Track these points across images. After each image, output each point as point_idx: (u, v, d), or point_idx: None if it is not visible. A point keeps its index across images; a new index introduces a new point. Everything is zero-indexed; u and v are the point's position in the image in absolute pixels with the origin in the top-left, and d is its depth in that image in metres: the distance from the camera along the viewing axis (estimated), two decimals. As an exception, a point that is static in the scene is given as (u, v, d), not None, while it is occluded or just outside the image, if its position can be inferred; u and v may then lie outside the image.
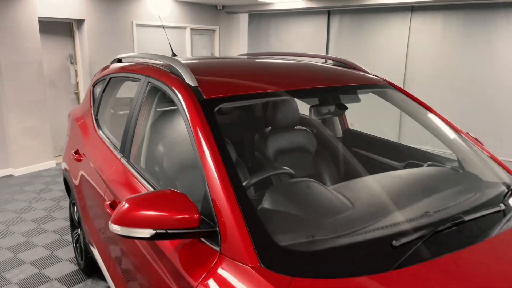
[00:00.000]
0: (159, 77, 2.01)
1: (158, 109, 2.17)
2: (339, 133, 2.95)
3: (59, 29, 6.29)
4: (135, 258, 1.81)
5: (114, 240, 2.11)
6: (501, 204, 1.60)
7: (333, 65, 2.57)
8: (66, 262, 3.42)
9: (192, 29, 8.19)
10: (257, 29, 8.94)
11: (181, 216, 1.33)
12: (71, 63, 6.49)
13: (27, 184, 5.28)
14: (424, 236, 1.35)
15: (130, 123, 2.18)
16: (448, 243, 1.36)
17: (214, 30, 8.75)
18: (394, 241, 1.32)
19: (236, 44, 8.87)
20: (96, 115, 2.84)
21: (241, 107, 2.81)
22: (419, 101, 2.33)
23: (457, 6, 6.46)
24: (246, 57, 2.86)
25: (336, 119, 2.96)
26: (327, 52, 8.00)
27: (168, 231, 1.32)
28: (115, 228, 1.34)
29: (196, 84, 1.78)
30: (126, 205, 1.34)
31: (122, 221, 1.32)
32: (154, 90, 2.10)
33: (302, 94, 2.09)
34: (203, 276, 1.29)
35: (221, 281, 1.24)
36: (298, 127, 2.68)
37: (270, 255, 1.24)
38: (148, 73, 2.16)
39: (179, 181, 1.94)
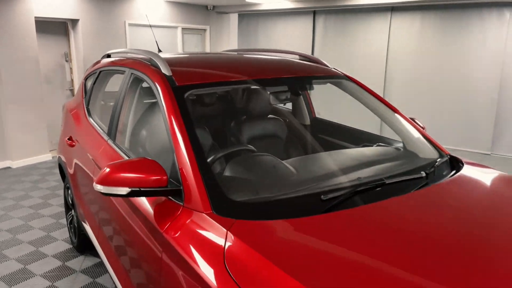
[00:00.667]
0: (140, 68, 2.33)
1: (139, 97, 2.48)
2: (307, 121, 3.27)
3: (55, 28, 6.59)
4: (118, 223, 2.12)
5: (102, 211, 2.42)
6: (422, 172, 1.93)
7: (300, 59, 2.90)
8: (61, 242, 3.73)
9: (183, 29, 8.50)
10: (246, 28, 9.26)
11: (152, 178, 1.65)
12: (66, 61, 6.79)
13: (24, 175, 5.58)
14: (348, 193, 1.67)
15: (116, 109, 2.49)
16: (370, 198, 1.69)
17: (205, 30, 9.06)
18: (322, 196, 1.64)
19: (226, 43, 9.18)
20: (88, 105, 3.16)
21: (219, 99, 3.11)
22: (370, 91, 2.65)
23: (434, 6, 6.81)
24: (230, 53, 3.18)
25: (305, 109, 3.28)
26: (313, 50, 8.34)
27: (142, 189, 1.64)
28: (99, 188, 1.65)
29: (171, 74, 2.10)
30: (108, 169, 1.65)
31: (104, 182, 1.64)
32: (136, 80, 2.42)
33: (264, 83, 2.41)
34: (168, 224, 1.62)
35: (182, 225, 1.56)
36: (270, 116, 3.00)
37: (220, 205, 1.56)
38: (131, 65, 2.48)
39: (153, 153, 2.25)
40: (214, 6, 8.95)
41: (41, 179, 5.44)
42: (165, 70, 2.12)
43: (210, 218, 1.51)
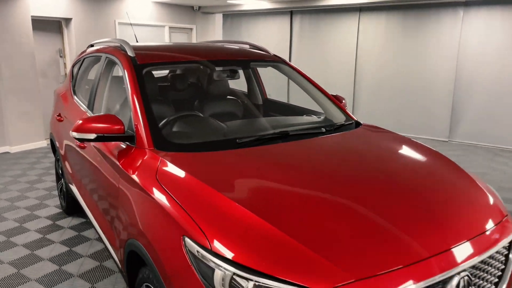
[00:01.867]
0: (112, 53, 2.94)
1: (110, 75, 3.09)
2: (260, 101, 3.88)
3: (50, 26, 7.21)
4: (93, 173, 2.73)
5: (83, 170, 3.03)
6: (322, 128, 2.56)
7: (250, 48, 3.51)
8: (52, 208, 4.33)
9: (170, 28, 9.12)
10: (230, 28, 9.89)
11: (113, 127, 2.25)
12: (61, 56, 7.41)
13: (21, 158, 6.18)
14: (259, 139, 2.30)
15: (94, 86, 3.11)
16: (275, 141, 2.31)
17: (191, 29, 9.69)
18: (237, 140, 2.26)
19: (212, 41, 9.80)
20: (74, 87, 3.77)
21: (182, 79, 3.66)
22: (301, 73, 3.27)
23: (397, 6, 7.46)
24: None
25: (258, 91, 3.89)
26: (290, 48, 8.97)
27: (105, 135, 2.25)
28: (74, 134, 2.26)
29: (134, 55, 2.71)
30: (81, 121, 2.27)
31: (78, 130, 2.25)
32: (110, 62, 3.03)
33: (212, 63, 3.03)
34: (124, 159, 2.23)
35: (133, 159, 2.17)
36: (229, 97, 3.61)
37: (159, 143, 2.17)
38: (107, 51, 3.09)
39: (119, 113, 2.83)
40: (199, 7, 9.58)
41: (36, 161, 6.04)
42: (130, 53, 2.74)
43: (151, 151, 2.13)
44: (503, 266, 1.85)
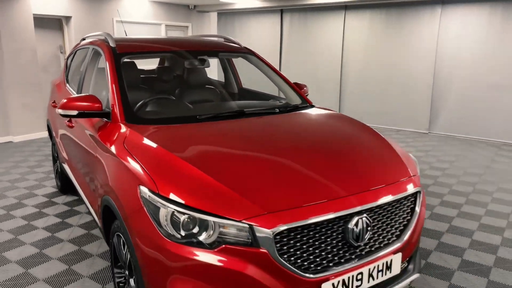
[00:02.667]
0: (98, 44, 3.36)
1: (95, 63, 3.50)
2: (235, 90, 4.27)
3: (51, 24, 7.66)
4: (78, 149, 3.14)
5: (72, 148, 3.45)
6: (276, 109, 2.96)
7: (224, 41, 3.91)
8: (49, 188, 4.76)
9: (167, 25, 9.54)
10: (224, 25, 10.30)
11: (92, 105, 2.66)
12: (61, 52, 7.85)
13: (23, 147, 6.63)
14: (218, 116, 2.70)
15: (82, 74, 3.52)
16: (233, 118, 2.72)
17: (187, 27, 10.10)
18: (198, 116, 2.67)
19: (207, 39, 10.21)
20: (67, 76, 4.19)
21: (172, 75, 4.08)
22: (267, 63, 3.65)
23: (379, 5, 7.82)
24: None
25: (233, 81, 4.29)
26: (281, 45, 9.35)
27: (85, 112, 2.66)
28: (59, 111, 2.67)
29: (114, 46, 3.12)
30: (65, 100, 2.68)
31: (63, 107, 2.65)
32: (96, 53, 3.44)
33: (184, 53, 3.43)
34: (101, 132, 2.64)
35: (107, 131, 2.58)
36: (207, 86, 4.01)
37: (129, 118, 2.58)
38: (93, 43, 3.51)
39: (100, 95, 3.24)
40: (195, 6, 9.99)
41: (37, 149, 6.49)
42: (112, 44, 3.15)
43: (122, 124, 2.53)
44: (409, 217, 2.24)
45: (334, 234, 1.93)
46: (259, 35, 9.65)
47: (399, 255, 2.13)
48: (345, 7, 8.25)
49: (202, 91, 3.65)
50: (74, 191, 4.35)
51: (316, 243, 1.89)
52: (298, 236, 1.84)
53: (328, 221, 1.90)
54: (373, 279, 2.05)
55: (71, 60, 4.25)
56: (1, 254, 3.24)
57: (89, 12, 7.90)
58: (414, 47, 7.63)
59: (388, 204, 2.11)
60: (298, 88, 3.53)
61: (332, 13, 8.45)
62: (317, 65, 8.83)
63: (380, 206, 2.07)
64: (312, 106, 3.25)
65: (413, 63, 7.68)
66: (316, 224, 1.86)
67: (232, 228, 1.78)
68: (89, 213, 3.96)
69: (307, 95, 3.59)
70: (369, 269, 2.01)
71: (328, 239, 1.92)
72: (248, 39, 9.84)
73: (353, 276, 1.95)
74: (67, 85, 4.05)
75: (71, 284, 2.83)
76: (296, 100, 3.34)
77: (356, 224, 1.95)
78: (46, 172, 5.32)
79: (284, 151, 2.30)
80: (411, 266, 2.36)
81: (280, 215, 1.81)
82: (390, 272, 2.12)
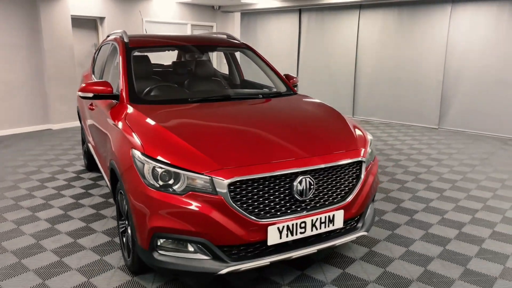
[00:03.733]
0: (115, 40, 3.97)
1: (114, 57, 4.11)
2: (238, 81, 4.79)
3: (87, 24, 8.48)
4: (97, 128, 3.76)
5: (94, 129, 4.09)
6: (260, 95, 3.46)
7: (227, 37, 4.44)
8: (78, 166, 5.47)
9: (192, 25, 10.20)
10: (247, 25, 10.84)
11: (106, 88, 3.25)
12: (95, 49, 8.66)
13: (60, 133, 7.45)
14: (208, 100, 3.23)
15: (102, 66, 4.15)
16: (220, 101, 3.25)
17: (212, 26, 10.72)
18: (189, 99, 3.21)
19: (231, 37, 10.79)
20: (93, 68, 4.86)
21: (181, 68, 4.65)
22: (261, 56, 4.14)
23: (392, 4, 8.10)
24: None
25: (236, 73, 4.80)
26: (299, 42, 9.77)
27: (99, 94, 3.26)
28: (79, 93, 3.29)
29: (128, 41, 3.72)
30: (84, 84, 3.29)
31: (81, 90, 3.27)
32: (114, 48, 4.06)
33: (189, 47, 3.99)
34: (110, 110, 3.23)
35: (115, 109, 3.16)
36: (208, 76, 4.55)
37: (133, 99, 3.15)
38: (113, 40, 4.13)
39: (113, 82, 3.83)
40: (219, 6, 10.60)
41: (72, 136, 7.28)
42: (126, 39, 3.75)
43: (127, 104, 3.11)
44: (354, 182, 2.68)
45: (282, 189, 2.41)
46: (278, 34, 10.12)
47: (341, 212, 2.57)
48: (359, 6, 8.58)
49: (202, 81, 4.19)
50: (98, 169, 5.01)
51: (266, 195, 2.37)
52: (249, 188, 2.34)
53: (275, 177, 2.38)
54: (317, 229, 2.50)
55: (97, 55, 4.92)
56: (35, 214, 3.92)
57: (121, 13, 8.67)
58: (425, 44, 7.86)
59: (332, 168, 2.56)
60: (288, 78, 4.01)
61: (347, 12, 8.79)
62: (333, 62, 9.20)
63: (324, 169, 2.53)
64: (295, 94, 3.72)
65: (424, 60, 7.91)
66: (264, 179, 2.35)
67: (197, 179, 2.30)
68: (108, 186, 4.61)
69: (295, 85, 4.06)
70: (312, 220, 2.47)
71: (276, 193, 2.40)
72: (268, 37, 10.34)
73: (296, 224, 2.42)
74: (93, 75, 4.71)
75: (87, 236, 3.45)
76: (282, 88, 3.82)
77: (300, 182, 2.42)
78: (77, 154, 6.05)
79: (252, 124, 2.80)
80: (359, 225, 2.79)
81: (234, 170, 2.31)
82: (333, 225, 2.56)
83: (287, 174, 2.40)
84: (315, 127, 2.92)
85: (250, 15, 10.72)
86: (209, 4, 10.18)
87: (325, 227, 2.54)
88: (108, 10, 8.45)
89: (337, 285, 2.77)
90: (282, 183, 2.42)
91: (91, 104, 4.03)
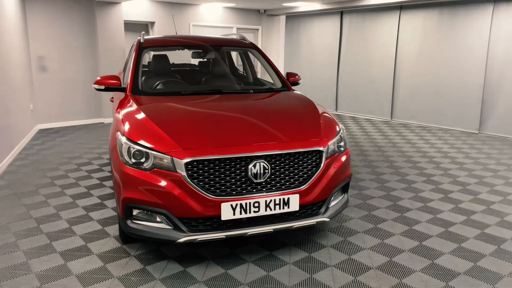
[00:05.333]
0: (136, 41, 4.49)
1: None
2: (251, 80, 5.09)
3: (138, 28, 9.27)
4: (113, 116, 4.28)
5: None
6: (251, 90, 3.75)
7: (239, 38, 4.78)
8: (114, 154, 6.12)
9: (238, 29, 10.67)
10: (291, 27, 11.08)
11: (116, 82, 3.74)
12: (146, 51, 9.43)
13: (110, 127, 8.27)
14: (201, 93, 3.59)
15: (125, 63, 4.69)
16: (211, 94, 3.59)
17: (257, 29, 11.12)
18: (183, 91, 3.59)
19: (276, 40, 11.11)
20: (125, 66, 5.46)
21: (190, 66, 5.09)
22: (265, 56, 4.42)
23: (432, 4, 7.91)
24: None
25: (249, 72, 5.11)
26: (340, 44, 9.82)
27: (110, 87, 3.75)
28: (94, 86, 3.81)
29: (143, 41, 4.20)
30: (98, 78, 3.81)
31: (95, 83, 3.78)
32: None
33: (200, 46, 4.38)
34: (118, 101, 3.71)
35: (121, 100, 3.63)
36: (221, 75, 4.92)
37: (135, 91, 3.60)
38: (136, 41, 4.66)
39: (126, 76, 4.32)
40: (265, 10, 10.96)
41: (118, 129, 8.05)
42: (142, 40, 4.23)
43: (130, 94, 3.56)
44: (313, 170, 2.87)
45: (238, 171, 2.68)
46: (320, 36, 10.24)
47: (297, 196, 2.78)
48: (400, 7, 8.45)
49: (209, 77, 4.56)
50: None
51: (222, 175, 2.66)
52: (206, 168, 2.64)
53: (230, 159, 2.66)
54: (271, 209, 2.74)
55: (129, 54, 5.51)
56: (75, 201, 4.54)
57: (169, 18, 9.37)
58: (465, 46, 7.56)
59: (289, 155, 2.78)
60: (290, 76, 4.25)
61: (387, 14, 8.70)
62: (372, 63, 9.14)
63: (280, 156, 2.76)
64: (289, 90, 3.95)
65: (465, 62, 7.61)
66: (220, 160, 2.64)
67: (162, 158, 2.65)
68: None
69: (297, 83, 4.28)
70: (266, 201, 2.71)
71: (232, 174, 2.68)
72: (311, 39, 10.49)
73: (250, 203, 2.68)
74: (123, 72, 5.30)
75: (101, 210, 3.96)
76: (278, 85, 4.07)
77: (255, 166, 2.67)
78: (117, 144, 6.73)
79: (224, 114, 3.10)
80: (322, 210, 2.96)
81: (192, 151, 2.63)
82: (288, 207, 2.78)
83: (241, 157, 2.67)
84: (284, 118, 3.15)
85: (294, 18, 10.95)
86: (254, 8, 10.58)
87: (280, 208, 2.76)
88: (158, 15, 9.18)
89: (298, 266, 2.96)
90: (238, 165, 2.69)
91: (112, 97, 4.58)
